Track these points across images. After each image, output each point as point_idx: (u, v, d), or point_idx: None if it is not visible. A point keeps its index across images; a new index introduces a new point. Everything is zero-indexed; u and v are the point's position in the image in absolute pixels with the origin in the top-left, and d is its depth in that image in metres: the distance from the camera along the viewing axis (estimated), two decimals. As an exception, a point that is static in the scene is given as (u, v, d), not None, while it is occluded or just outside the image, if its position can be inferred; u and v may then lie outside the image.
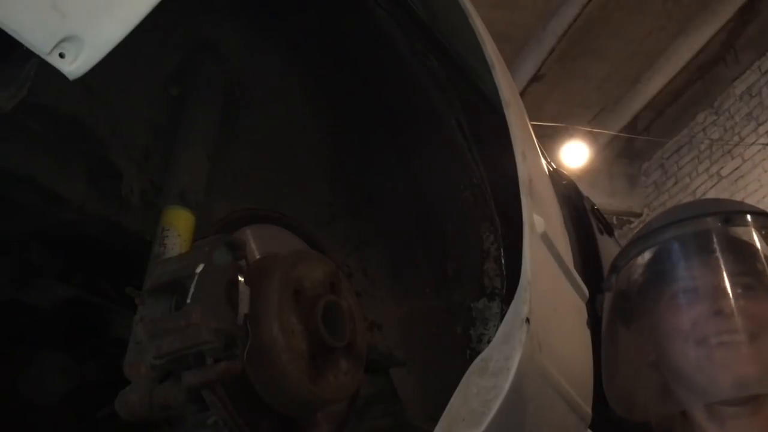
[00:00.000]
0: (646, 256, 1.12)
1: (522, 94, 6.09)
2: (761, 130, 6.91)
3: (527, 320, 1.45)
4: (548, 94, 7.05)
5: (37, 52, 0.88)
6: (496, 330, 1.64)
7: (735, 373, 0.99)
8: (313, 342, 1.34)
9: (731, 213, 1.04)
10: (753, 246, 1.05)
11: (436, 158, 1.79)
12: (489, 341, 1.68)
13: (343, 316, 1.41)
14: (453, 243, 1.79)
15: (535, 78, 6.62)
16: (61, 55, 0.89)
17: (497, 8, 5.82)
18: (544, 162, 1.84)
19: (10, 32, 0.86)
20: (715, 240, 1.04)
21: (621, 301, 1.16)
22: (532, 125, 1.76)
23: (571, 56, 6.67)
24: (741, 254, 1.04)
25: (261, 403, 1.31)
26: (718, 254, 1.03)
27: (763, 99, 6.97)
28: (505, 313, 1.66)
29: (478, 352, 1.60)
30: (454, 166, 1.76)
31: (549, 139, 7.35)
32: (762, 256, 1.06)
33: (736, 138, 7.12)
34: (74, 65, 0.90)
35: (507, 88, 1.56)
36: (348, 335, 1.41)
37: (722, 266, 1.03)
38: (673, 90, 7.23)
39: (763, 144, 6.85)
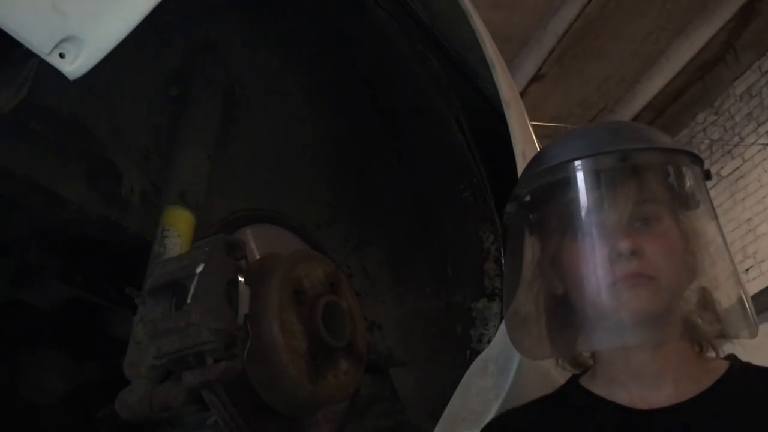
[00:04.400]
0: (544, 191, 1.11)
1: (522, 94, 6.08)
2: (761, 130, 6.91)
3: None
4: (548, 94, 7.05)
5: (37, 52, 0.88)
6: (496, 330, 1.64)
7: (644, 322, 1.01)
8: (313, 342, 1.34)
9: (628, 151, 1.04)
10: (654, 175, 1.07)
11: (436, 158, 1.79)
12: (489, 341, 1.68)
13: (343, 316, 1.41)
14: (453, 243, 1.79)
15: (535, 78, 6.62)
16: (61, 55, 0.89)
17: (497, 8, 5.81)
18: (544, 162, 1.84)
19: (10, 32, 0.86)
20: (611, 180, 1.05)
21: (522, 232, 1.15)
22: (532, 125, 1.76)
23: (571, 56, 6.67)
24: (641, 186, 1.05)
25: (261, 403, 1.31)
26: (616, 194, 1.04)
27: (763, 99, 6.97)
28: (505, 313, 1.67)
29: (478, 352, 1.60)
30: (454, 166, 1.76)
31: (549, 139, 7.34)
32: (664, 183, 1.08)
33: (736, 138, 7.12)
34: (74, 65, 0.90)
35: (507, 88, 1.56)
36: (348, 335, 1.41)
37: (620, 207, 1.03)
38: (673, 90, 7.23)
39: (763, 144, 6.84)
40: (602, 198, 1.05)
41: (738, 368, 1.08)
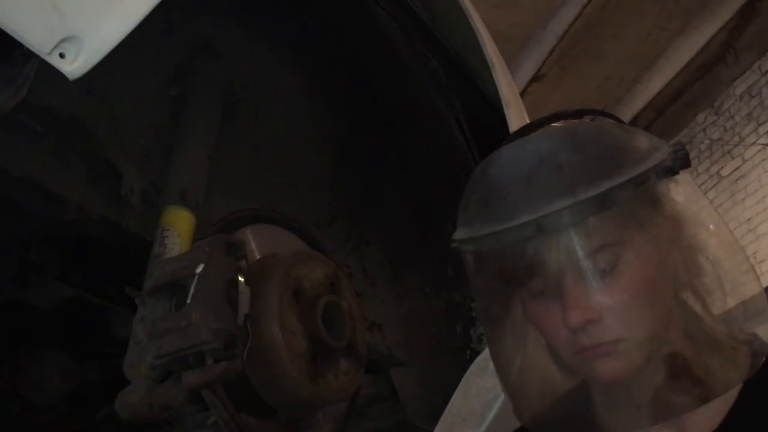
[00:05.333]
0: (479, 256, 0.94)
1: (522, 94, 6.08)
2: (761, 130, 6.91)
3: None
4: (548, 94, 7.04)
5: (37, 52, 0.88)
6: (496, 330, 1.64)
7: (617, 379, 0.87)
8: (313, 342, 1.34)
9: (541, 218, 0.83)
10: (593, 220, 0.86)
11: (436, 158, 1.79)
12: (489, 341, 1.68)
13: (343, 316, 1.41)
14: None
15: (535, 78, 6.61)
16: (61, 55, 0.89)
17: (497, 8, 5.81)
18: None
19: (10, 32, 0.86)
20: (536, 248, 0.86)
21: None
22: (532, 125, 1.75)
23: (571, 56, 6.66)
24: (580, 240, 0.85)
25: (261, 403, 1.31)
26: (548, 261, 0.86)
27: (763, 99, 6.96)
28: (505, 313, 1.66)
29: (478, 352, 1.60)
30: (454, 166, 1.76)
31: (549, 139, 7.31)
32: (611, 220, 0.85)
33: (736, 138, 7.12)
34: (74, 65, 0.90)
35: (507, 88, 1.56)
36: (348, 335, 1.41)
37: (556, 276, 0.86)
38: (673, 90, 7.22)
39: (763, 144, 6.84)
40: (532, 270, 0.87)
41: (756, 388, 0.89)
